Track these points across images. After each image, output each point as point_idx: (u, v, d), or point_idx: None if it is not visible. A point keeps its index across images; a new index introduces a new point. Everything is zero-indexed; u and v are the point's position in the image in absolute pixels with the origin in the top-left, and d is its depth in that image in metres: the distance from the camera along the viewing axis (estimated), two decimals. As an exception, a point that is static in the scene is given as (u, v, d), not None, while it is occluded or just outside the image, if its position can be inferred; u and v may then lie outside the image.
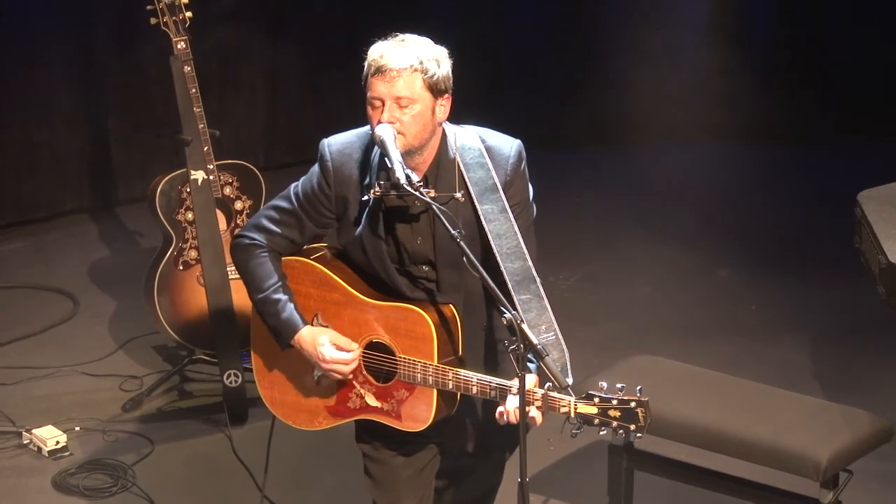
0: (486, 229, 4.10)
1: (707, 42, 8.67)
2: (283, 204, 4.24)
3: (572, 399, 3.95)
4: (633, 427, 3.90)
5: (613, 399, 3.91)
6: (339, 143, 4.20)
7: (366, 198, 4.13)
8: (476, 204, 4.12)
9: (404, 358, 4.15)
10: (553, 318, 4.10)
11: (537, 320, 4.07)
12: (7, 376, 6.24)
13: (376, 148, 4.11)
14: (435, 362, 4.11)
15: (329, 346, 4.20)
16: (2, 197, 7.57)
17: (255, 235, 4.24)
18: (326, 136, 4.23)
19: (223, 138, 6.04)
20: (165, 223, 6.01)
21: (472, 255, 3.96)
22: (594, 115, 8.65)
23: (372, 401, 4.23)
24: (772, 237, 7.60)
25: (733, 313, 6.82)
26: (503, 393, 4.02)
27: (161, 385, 6.12)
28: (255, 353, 4.39)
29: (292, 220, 4.23)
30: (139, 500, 5.45)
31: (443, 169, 4.13)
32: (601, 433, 3.95)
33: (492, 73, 8.46)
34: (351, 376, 4.22)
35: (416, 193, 3.98)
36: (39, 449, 5.73)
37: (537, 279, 4.12)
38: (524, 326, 3.88)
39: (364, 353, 4.22)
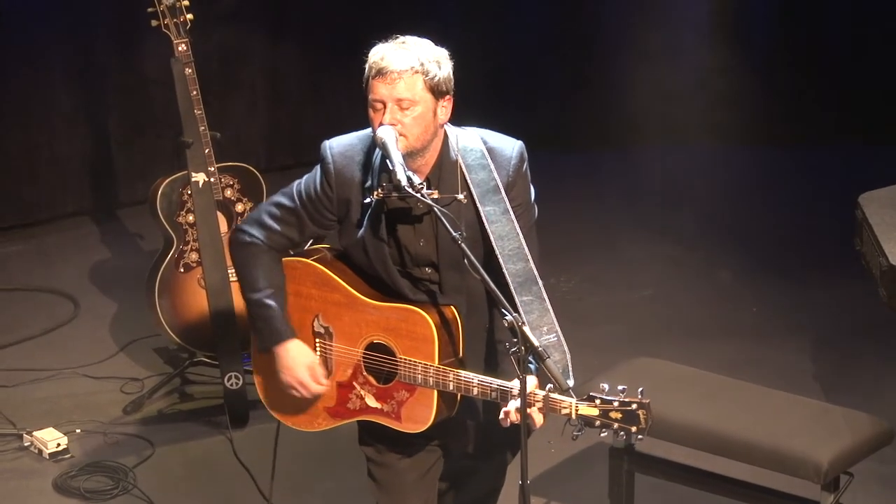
0: (489, 231, 4.09)
1: (707, 42, 8.67)
2: (286, 201, 4.22)
3: (573, 401, 3.94)
4: (634, 429, 3.89)
5: (615, 401, 3.90)
6: (341, 145, 4.19)
7: (368, 200, 4.13)
8: (478, 205, 4.11)
9: (405, 359, 4.14)
10: (555, 319, 4.09)
11: (539, 322, 4.06)
12: (8, 378, 6.24)
13: (378, 150, 4.10)
14: (436, 363, 4.10)
15: (305, 369, 4.21)
16: (3, 199, 7.57)
17: (255, 232, 4.23)
18: (327, 138, 4.23)
19: (224, 140, 6.04)
20: (166, 225, 6.00)
21: (472, 257, 3.95)
22: (594, 116, 8.65)
23: (372, 402, 4.22)
24: (772, 238, 7.59)
25: (734, 315, 6.81)
26: (504, 394, 4.02)
27: (162, 387, 6.12)
28: (256, 355, 4.38)
29: (293, 219, 4.22)
30: (140, 503, 5.45)
31: (445, 171, 4.12)
32: (602, 435, 3.94)
33: (492, 73, 8.45)
34: (351, 377, 4.23)
35: (418, 195, 3.97)
36: (40, 451, 5.72)
37: (539, 281, 4.11)
38: (525, 328, 3.88)
39: (364, 353, 4.22)
